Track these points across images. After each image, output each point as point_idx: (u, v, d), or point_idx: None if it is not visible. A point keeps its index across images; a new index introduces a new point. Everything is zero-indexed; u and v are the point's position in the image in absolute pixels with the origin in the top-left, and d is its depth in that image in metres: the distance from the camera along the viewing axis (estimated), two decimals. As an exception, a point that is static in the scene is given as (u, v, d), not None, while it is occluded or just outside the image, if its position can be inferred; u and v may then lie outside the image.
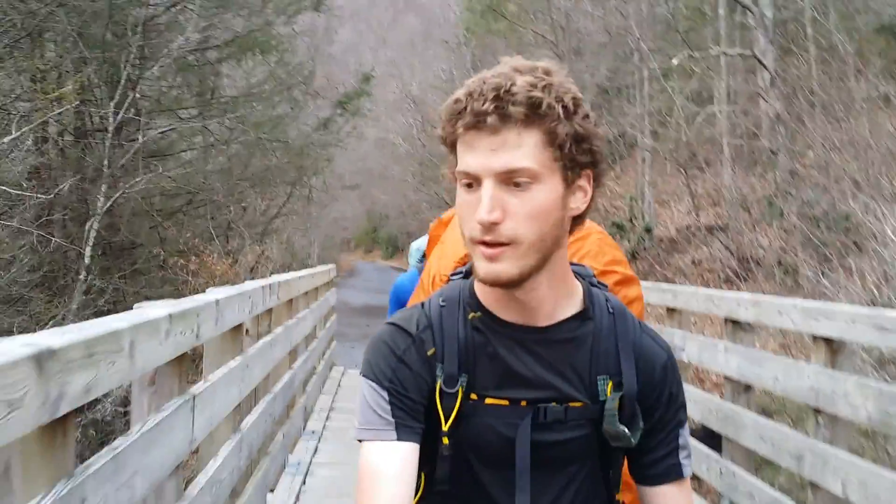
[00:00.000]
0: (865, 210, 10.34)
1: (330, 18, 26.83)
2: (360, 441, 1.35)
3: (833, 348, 4.27)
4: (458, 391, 1.35)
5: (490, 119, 1.24)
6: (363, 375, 1.38)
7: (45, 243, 10.68)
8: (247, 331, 4.80)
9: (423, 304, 1.44)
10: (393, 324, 1.40)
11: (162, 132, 13.35)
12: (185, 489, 3.13)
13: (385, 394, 1.34)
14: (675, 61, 18.13)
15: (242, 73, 17.98)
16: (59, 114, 10.85)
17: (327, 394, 9.51)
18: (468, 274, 1.45)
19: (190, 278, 12.60)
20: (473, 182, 1.27)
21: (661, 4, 19.65)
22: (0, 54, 10.45)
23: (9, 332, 9.58)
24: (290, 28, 19.21)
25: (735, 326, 5.36)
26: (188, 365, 3.16)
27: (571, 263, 1.44)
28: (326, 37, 29.93)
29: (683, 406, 1.46)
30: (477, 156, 1.26)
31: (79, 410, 2.02)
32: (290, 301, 6.60)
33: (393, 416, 1.33)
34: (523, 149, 1.25)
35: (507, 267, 1.27)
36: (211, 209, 14.91)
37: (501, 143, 1.24)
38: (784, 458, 4.54)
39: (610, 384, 1.37)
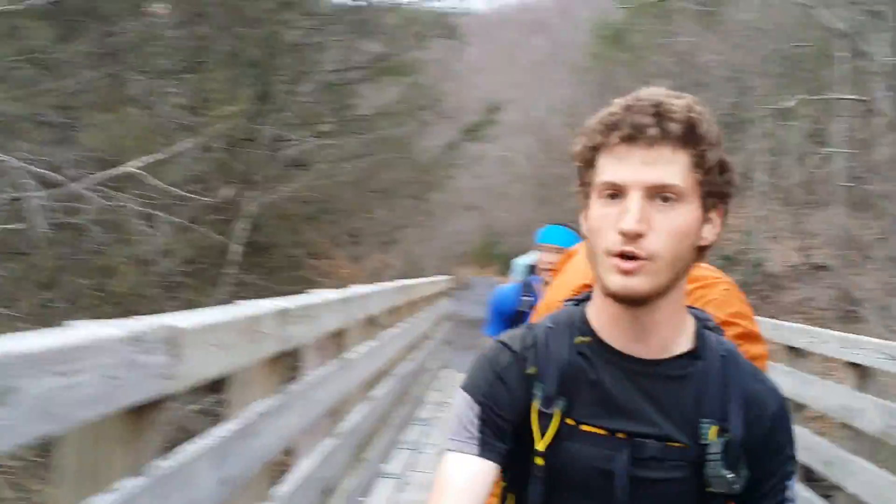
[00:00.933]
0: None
1: (459, 41, 28.01)
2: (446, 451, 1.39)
3: (861, 373, 5.12)
4: (555, 413, 1.35)
5: (649, 132, 1.26)
6: (462, 388, 1.42)
7: (199, 240, 12.24)
8: (378, 321, 5.99)
9: (531, 325, 1.46)
10: (498, 341, 1.43)
11: (305, 146, 14.87)
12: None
13: (477, 409, 1.37)
14: (790, 103, 18.61)
15: (374, 92, 19.42)
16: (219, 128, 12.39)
17: (438, 390, 10.62)
18: (581, 301, 1.47)
19: (320, 279, 13.99)
20: (618, 194, 1.29)
21: (784, 44, 20.13)
22: (176, 75, 12.10)
23: (170, 312, 11.14)
24: (423, 52, 20.56)
25: (792, 352, 6.22)
26: (339, 340, 4.32)
27: (691, 307, 1.45)
28: (454, 57, 31.19)
29: (792, 458, 1.42)
30: (627, 167, 1.27)
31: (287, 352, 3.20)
32: (413, 303, 7.79)
33: (479, 432, 1.35)
34: (675, 166, 1.27)
35: (642, 282, 1.27)
36: (341, 217, 16.37)
37: (655, 158, 1.27)
38: (817, 465, 5.41)
39: (714, 429, 1.34)
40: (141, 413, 1.83)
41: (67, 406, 1.48)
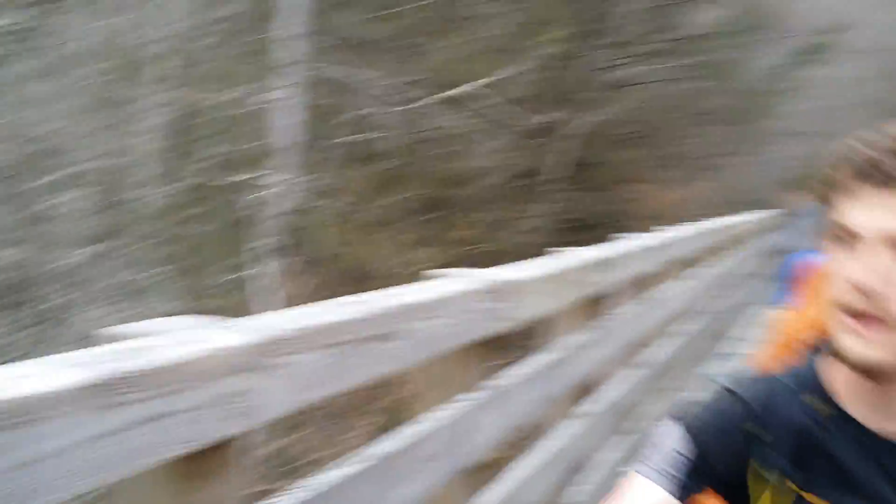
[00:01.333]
0: None
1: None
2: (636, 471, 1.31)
3: None
4: (783, 484, 1.23)
5: None
6: (678, 419, 1.32)
7: (524, 157, 13.02)
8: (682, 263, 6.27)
9: (765, 379, 1.34)
10: (731, 390, 1.31)
11: (629, 68, 15.02)
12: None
13: (688, 448, 1.27)
14: None
15: (703, 12, 18.80)
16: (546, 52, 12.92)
17: (741, 326, 10.60)
18: (820, 350, 1.31)
19: (636, 204, 14.26)
20: (853, 240, 1.14)
21: None
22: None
23: (493, 223, 12.22)
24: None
25: None
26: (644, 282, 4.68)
27: None
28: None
29: None
30: (867, 212, 1.13)
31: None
32: (721, 244, 7.96)
33: (680, 472, 1.26)
34: None
35: (873, 349, 1.12)
36: (662, 141, 16.37)
37: None
38: None
39: None
40: (480, 346, 2.35)
41: (431, 341, 2.06)
